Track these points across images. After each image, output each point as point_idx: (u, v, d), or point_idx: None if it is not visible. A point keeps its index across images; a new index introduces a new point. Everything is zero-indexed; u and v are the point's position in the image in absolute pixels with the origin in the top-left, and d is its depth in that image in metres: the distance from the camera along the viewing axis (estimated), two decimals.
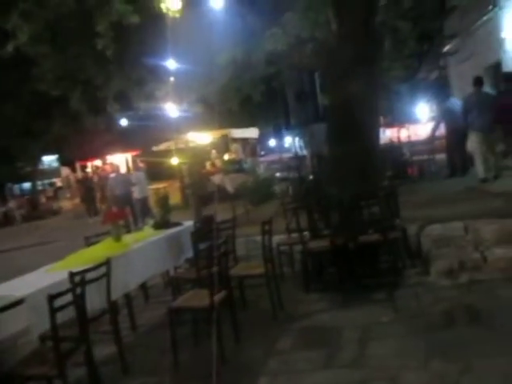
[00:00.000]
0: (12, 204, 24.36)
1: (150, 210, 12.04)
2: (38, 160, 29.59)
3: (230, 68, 11.11)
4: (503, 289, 4.40)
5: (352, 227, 5.45)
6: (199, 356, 4.07)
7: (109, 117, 19.73)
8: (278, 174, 16.62)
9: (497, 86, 9.46)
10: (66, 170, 31.85)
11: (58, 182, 33.19)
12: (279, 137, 28.39)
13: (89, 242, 5.66)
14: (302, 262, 5.68)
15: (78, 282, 3.50)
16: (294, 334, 4.31)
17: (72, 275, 3.56)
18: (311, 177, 8.85)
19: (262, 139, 28.92)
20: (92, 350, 3.62)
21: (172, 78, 14.29)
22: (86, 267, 3.86)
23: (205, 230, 5.94)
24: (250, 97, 16.12)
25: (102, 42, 9.22)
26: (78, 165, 29.52)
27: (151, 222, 7.08)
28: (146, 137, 22.26)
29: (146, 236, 5.75)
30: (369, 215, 5.72)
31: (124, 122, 23.84)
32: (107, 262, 3.98)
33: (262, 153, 29.89)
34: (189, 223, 6.46)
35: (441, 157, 11.55)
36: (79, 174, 28.02)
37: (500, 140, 8.75)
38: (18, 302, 3.38)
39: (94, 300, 3.92)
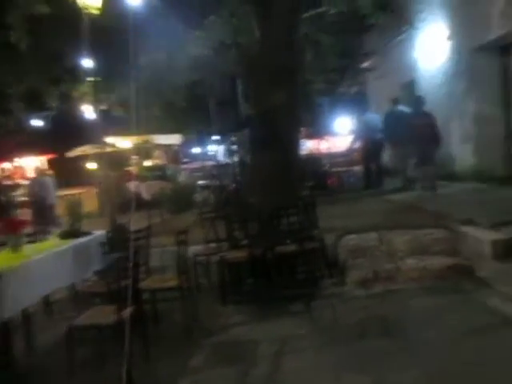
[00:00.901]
0: None
1: (55, 217, 11.19)
2: None
3: (150, 70, 10.76)
4: (415, 298, 4.49)
5: (270, 237, 5.36)
6: (103, 379, 3.74)
7: (17, 116, 18.45)
8: (200, 182, 16.36)
9: (411, 104, 10.04)
10: None
11: None
12: (203, 144, 28.11)
13: None
14: (219, 273, 5.49)
15: None
16: (208, 350, 4.10)
17: None
18: (233, 185, 8.73)
19: (185, 146, 28.51)
20: None
21: (91, 78, 13.61)
22: None
23: (117, 239, 5.59)
24: (173, 102, 15.80)
25: (15, 34, 8.56)
26: None
27: (58, 230, 6.56)
28: (61, 139, 21.05)
29: (50, 246, 5.28)
30: (288, 225, 5.67)
31: (37, 123, 22.45)
32: None
33: (185, 160, 29.47)
34: (100, 233, 6.04)
35: (359, 168, 11.91)
36: None
37: (413, 154, 9.23)
38: None
39: None
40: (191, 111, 17.00)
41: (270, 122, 6.85)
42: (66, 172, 20.36)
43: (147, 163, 20.01)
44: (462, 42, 9.26)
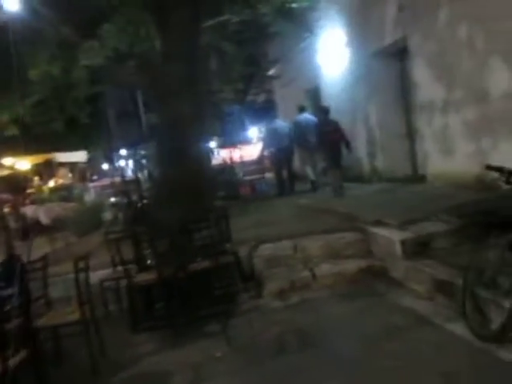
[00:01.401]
0: None
1: None
2: None
3: (48, 85, 10.02)
4: (331, 306, 4.41)
5: (181, 255, 5.05)
6: None
7: None
8: (110, 200, 15.57)
9: (317, 111, 10.31)
10: None
11: None
12: (111, 160, 27.00)
13: None
14: (128, 299, 5.08)
15: None
16: None
17: None
18: (140, 202, 8.28)
19: (93, 163, 27.20)
20: None
21: None
22: None
23: (8, 273, 4.99)
24: (76, 118, 14.91)
25: None
26: None
27: None
28: None
29: None
30: (199, 240, 5.39)
31: None
32: None
33: (95, 177, 28.09)
34: None
35: (271, 176, 11.92)
36: None
37: (320, 159, 9.45)
38: None
39: None
40: (96, 126, 16.18)
41: (175, 134, 6.56)
42: None
43: (50, 183, 18.75)
44: (360, 48, 9.56)
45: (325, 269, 5.11)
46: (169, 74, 6.49)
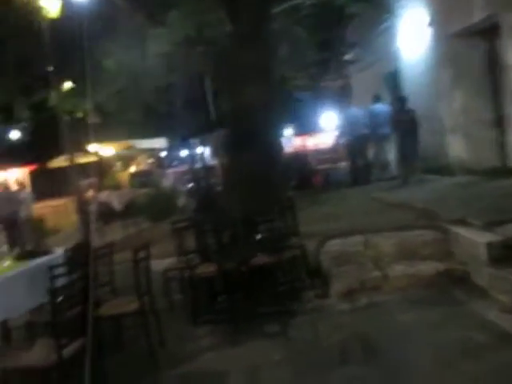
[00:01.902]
0: None
1: (27, 234, 10.52)
2: None
3: (123, 74, 10.23)
4: (403, 313, 4.00)
5: (245, 248, 4.86)
6: None
7: None
8: (186, 186, 15.87)
9: (393, 96, 9.82)
10: None
11: None
12: (188, 147, 27.50)
13: None
14: (190, 290, 4.99)
15: None
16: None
17: None
18: (207, 190, 8.24)
19: (173, 149, 27.87)
20: None
21: (67, 84, 13.00)
22: None
23: (76, 259, 5.07)
24: (152, 106, 15.25)
25: None
26: None
27: (15, 250, 6.02)
28: (41, 150, 20.45)
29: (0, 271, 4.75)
30: (264, 232, 5.17)
31: (14, 135, 21.82)
32: None
33: (174, 163, 28.83)
34: (61, 251, 5.51)
35: (345, 165, 11.47)
36: None
37: (397, 149, 9.00)
38: None
39: None
40: (169, 114, 16.49)
41: (245, 121, 6.39)
42: (48, 183, 19.78)
43: (131, 169, 19.46)
44: (443, 28, 8.81)
45: (398, 270, 4.70)
46: (239, 60, 6.31)
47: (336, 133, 12.65)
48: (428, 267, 4.63)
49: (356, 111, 10.68)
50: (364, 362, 3.33)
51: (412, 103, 8.31)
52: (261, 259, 4.80)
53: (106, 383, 3.58)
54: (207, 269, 4.90)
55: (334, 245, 5.38)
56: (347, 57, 15.29)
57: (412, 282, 4.50)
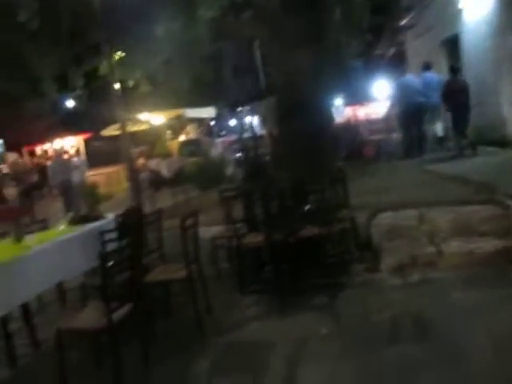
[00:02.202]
0: None
1: (80, 200, 10.81)
2: None
3: (173, 42, 10.16)
4: (459, 291, 3.81)
5: (292, 219, 4.77)
6: None
7: (50, 98, 18.35)
8: (235, 156, 15.88)
9: (452, 62, 9.31)
10: (12, 156, 29.96)
11: (4, 169, 31.23)
12: (237, 116, 27.35)
13: None
14: (238, 259, 4.98)
15: None
16: (218, 352, 3.62)
17: None
18: (256, 158, 8.16)
19: (221, 118, 27.85)
20: None
21: (118, 53, 13.10)
22: None
23: (127, 225, 5.16)
24: (200, 75, 15.18)
25: (24, 13, 8.13)
26: (24, 150, 27.77)
27: (69, 215, 6.18)
28: (94, 119, 20.97)
29: (55, 235, 4.89)
30: (314, 203, 5.05)
31: (70, 104, 22.42)
32: None
33: (223, 133, 28.86)
34: (112, 216, 5.62)
35: (397, 136, 11.07)
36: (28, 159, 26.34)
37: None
38: None
39: None
40: (218, 82, 16.37)
41: (295, 89, 6.20)
42: (101, 151, 20.35)
43: (180, 138, 19.64)
44: None
45: (454, 246, 4.48)
46: (289, 25, 6.08)
47: (388, 102, 12.17)
48: (486, 245, 4.39)
49: (411, 78, 10.20)
50: (416, 341, 3.20)
51: (470, 71, 7.83)
52: (310, 231, 4.70)
53: (154, 348, 3.63)
54: (255, 239, 4.86)
55: (386, 218, 5.21)
56: (402, 22, 14.55)
57: (468, 259, 4.29)
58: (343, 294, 4.23)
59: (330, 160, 6.38)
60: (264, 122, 11.49)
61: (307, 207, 4.88)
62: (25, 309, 4.40)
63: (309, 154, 5.87)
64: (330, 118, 6.99)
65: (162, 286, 4.49)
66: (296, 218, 4.81)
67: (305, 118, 6.03)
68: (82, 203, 10.12)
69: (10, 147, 29.79)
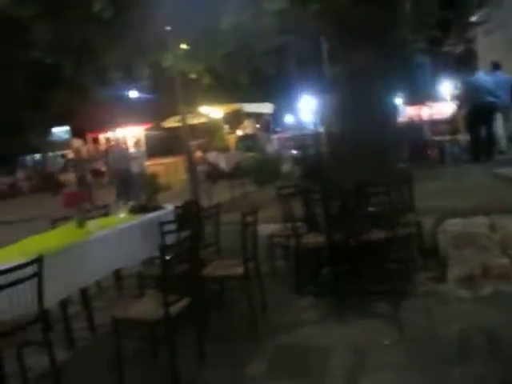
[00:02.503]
0: (20, 175, 23.90)
1: (138, 189, 10.95)
2: (47, 131, 29.01)
3: (236, 34, 10.15)
4: None
5: (354, 221, 4.58)
6: (152, 377, 3.33)
7: (115, 87, 18.94)
8: (291, 152, 15.72)
9: None
10: (77, 142, 31.23)
11: (70, 154, 32.61)
12: (295, 112, 27.13)
13: (55, 224, 4.93)
14: (295, 259, 4.85)
15: None
16: (272, 354, 3.50)
17: None
18: (315, 156, 7.97)
19: (277, 115, 27.74)
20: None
21: (182, 45, 13.29)
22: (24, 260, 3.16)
23: (185, 216, 5.16)
24: (261, 69, 15.12)
25: (99, 3, 8.36)
26: (88, 137, 28.85)
27: (129, 204, 6.26)
28: (156, 109, 21.41)
29: (116, 222, 4.96)
30: (377, 205, 4.83)
31: (133, 94, 23.01)
32: (38, 260, 3.20)
33: (279, 129, 28.75)
34: (171, 207, 5.63)
35: (465, 137, 10.51)
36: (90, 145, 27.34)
37: None
38: None
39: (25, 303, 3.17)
40: (279, 77, 16.24)
41: (359, 86, 5.98)
42: (161, 142, 20.77)
43: (237, 133, 19.70)
44: None
45: None
46: (356, 19, 5.86)
47: (455, 102, 11.60)
48: None
49: (482, 77, 9.63)
50: (487, 361, 2.95)
51: None
52: (373, 234, 4.49)
53: (208, 343, 3.58)
54: (314, 239, 4.71)
55: (454, 224, 4.90)
56: (473, 18, 13.82)
57: None
58: (406, 303, 4.01)
59: (391, 161, 6.12)
60: (323, 118, 11.24)
61: (371, 209, 4.68)
62: (84, 293, 4.48)
63: (370, 154, 5.64)
64: (393, 117, 6.71)
65: (217, 281, 4.44)
66: (358, 220, 4.62)
67: (366, 115, 5.81)
68: (141, 193, 10.32)
69: (75, 134, 31.10)
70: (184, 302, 3.38)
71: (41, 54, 10.51)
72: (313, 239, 4.70)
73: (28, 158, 32.74)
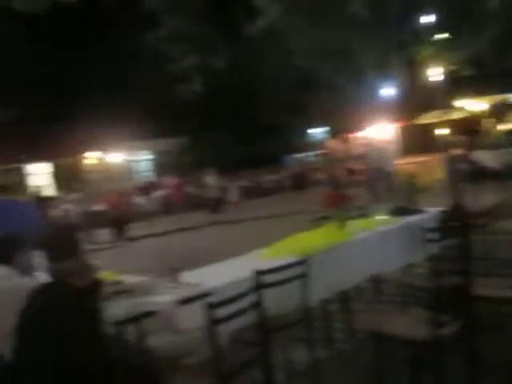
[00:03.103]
0: (284, 174, 26.16)
1: (390, 187, 10.40)
2: (305, 132, 31.19)
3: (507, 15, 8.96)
4: None
5: None
6: None
7: (370, 86, 19.03)
8: None
9: None
10: (332, 142, 32.52)
11: (325, 154, 34.19)
12: None
13: (315, 224, 5.08)
14: None
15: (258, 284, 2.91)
16: None
17: (258, 274, 2.98)
18: None
19: None
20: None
21: (435, 37, 12.48)
22: (290, 259, 3.35)
23: (453, 223, 4.66)
24: None
25: (354, 4, 8.50)
26: (343, 136, 29.73)
27: (385, 205, 5.99)
28: (408, 106, 20.71)
29: (376, 224, 4.79)
30: None
31: (385, 92, 22.70)
32: (304, 262, 3.27)
33: None
34: (433, 211, 5.17)
35: None
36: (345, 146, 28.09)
37: None
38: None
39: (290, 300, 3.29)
40: None
41: None
42: (416, 139, 20.01)
43: (501, 127, 17.42)
44: None
45: None
46: None
47: None
48: None
49: None
50: None
51: None
52: None
53: (479, 375, 3.09)
54: None
55: None
56: None
57: None
58: None
59: None
60: None
61: None
62: (343, 293, 4.46)
63: None
64: None
65: (487, 301, 3.84)
66: None
67: None
68: (393, 193, 9.90)
69: (333, 134, 32.59)
70: (455, 326, 2.98)
71: (301, 59, 11.18)
72: None
73: (289, 157, 35.76)
